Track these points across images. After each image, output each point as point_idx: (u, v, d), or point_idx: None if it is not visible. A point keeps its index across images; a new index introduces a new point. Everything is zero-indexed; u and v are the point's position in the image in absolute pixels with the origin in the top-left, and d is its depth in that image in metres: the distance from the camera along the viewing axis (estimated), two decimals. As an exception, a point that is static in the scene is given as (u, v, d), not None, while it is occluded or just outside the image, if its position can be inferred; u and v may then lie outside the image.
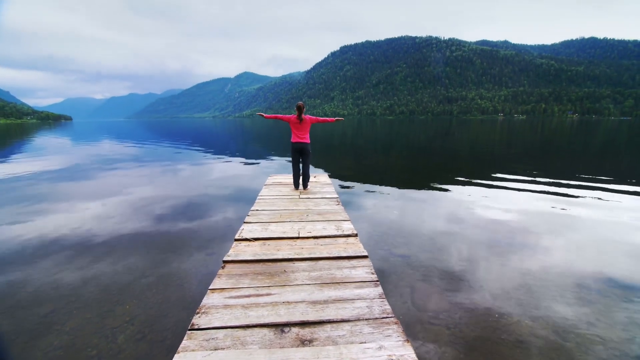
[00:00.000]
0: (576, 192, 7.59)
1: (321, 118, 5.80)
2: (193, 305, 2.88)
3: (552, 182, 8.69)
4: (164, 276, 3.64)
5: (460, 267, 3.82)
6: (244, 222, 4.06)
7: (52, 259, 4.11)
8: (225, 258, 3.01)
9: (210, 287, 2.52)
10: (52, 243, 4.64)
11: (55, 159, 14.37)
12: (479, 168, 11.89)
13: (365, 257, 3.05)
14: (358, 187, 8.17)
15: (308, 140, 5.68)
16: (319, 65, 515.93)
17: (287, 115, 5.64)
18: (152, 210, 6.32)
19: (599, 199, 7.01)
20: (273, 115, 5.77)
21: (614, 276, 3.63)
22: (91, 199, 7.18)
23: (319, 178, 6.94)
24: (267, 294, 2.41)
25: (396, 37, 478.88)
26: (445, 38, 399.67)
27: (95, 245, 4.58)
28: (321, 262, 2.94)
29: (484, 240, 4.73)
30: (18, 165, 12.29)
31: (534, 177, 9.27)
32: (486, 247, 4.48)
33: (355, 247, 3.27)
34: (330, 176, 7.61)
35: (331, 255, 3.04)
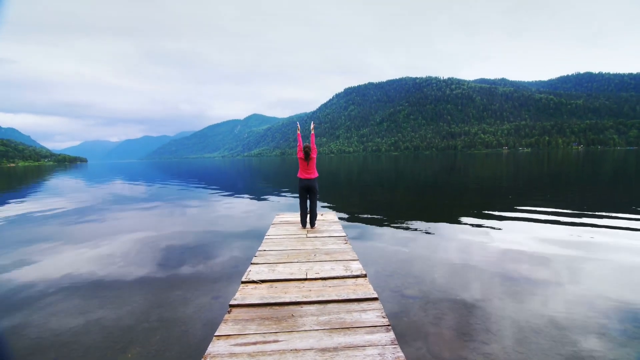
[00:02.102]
0: (593, 220, 7.39)
1: (312, 141, 5.94)
2: (198, 352, 2.78)
3: (566, 212, 8.50)
4: (169, 321, 3.54)
5: (476, 308, 3.64)
6: (251, 263, 4.02)
7: (56, 303, 4.06)
8: (232, 302, 2.95)
9: (215, 334, 2.45)
10: (56, 286, 4.61)
11: (65, 200, 14.71)
12: (487, 202, 11.75)
13: (375, 299, 2.95)
14: (365, 224, 8.10)
15: (316, 175, 5.86)
16: (324, 106, 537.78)
17: (300, 151, 5.81)
18: (158, 250, 6.31)
19: (618, 227, 6.80)
20: (300, 138, 6.02)
21: (642, 317, 3.42)
22: (97, 239, 7.24)
23: (326, 216, 6.94)
24: (275, 341, 2.33)
25: (397, 78, 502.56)
26: (445, 77, 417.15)
27: (99, 287, 4.54)
28: (330, 305, 2.85)
29: (499, 277, 4.55)
30: (29, 205, 12.60)
31: (546, 209, 9.07)
32: (503, 285, 4.30)
33: (365, 288, 3.18)
34: (337, 212, 7.59)
35: (340, 298, 2.96)
